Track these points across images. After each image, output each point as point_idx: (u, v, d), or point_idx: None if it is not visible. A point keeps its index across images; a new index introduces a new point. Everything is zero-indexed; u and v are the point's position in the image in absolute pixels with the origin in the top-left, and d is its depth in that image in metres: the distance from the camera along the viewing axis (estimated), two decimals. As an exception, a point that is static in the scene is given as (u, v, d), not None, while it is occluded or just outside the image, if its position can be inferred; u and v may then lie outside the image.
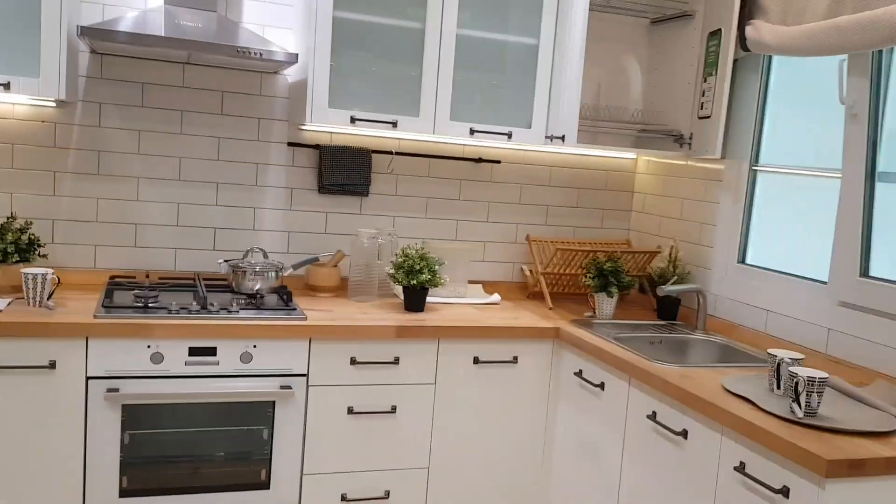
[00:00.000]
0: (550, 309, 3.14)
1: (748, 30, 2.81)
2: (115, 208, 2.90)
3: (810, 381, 1.91)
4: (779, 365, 2.11)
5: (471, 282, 3.38)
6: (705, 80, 3.04)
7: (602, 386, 2.57)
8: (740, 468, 1.95)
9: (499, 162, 3.38)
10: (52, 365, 2.33)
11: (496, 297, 3.19)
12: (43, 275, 2.43)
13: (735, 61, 2.92)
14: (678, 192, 3.30)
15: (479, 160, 3.34)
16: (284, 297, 2.78)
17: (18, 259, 2.52)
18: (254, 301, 2.69)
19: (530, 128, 3.01)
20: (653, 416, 2.30)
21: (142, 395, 2.41)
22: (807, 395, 1.92)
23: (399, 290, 3.08)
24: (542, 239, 3.43)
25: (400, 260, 2.86)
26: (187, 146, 2.96)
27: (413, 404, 2.72)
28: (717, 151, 2.93)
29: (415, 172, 3.27)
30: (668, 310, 3.10)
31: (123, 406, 2.42)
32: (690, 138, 3.12)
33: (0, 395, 2.30)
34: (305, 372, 2.58)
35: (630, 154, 3.51)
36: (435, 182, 3.30)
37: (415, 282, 2.83)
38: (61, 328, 2.31)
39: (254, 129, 3.03)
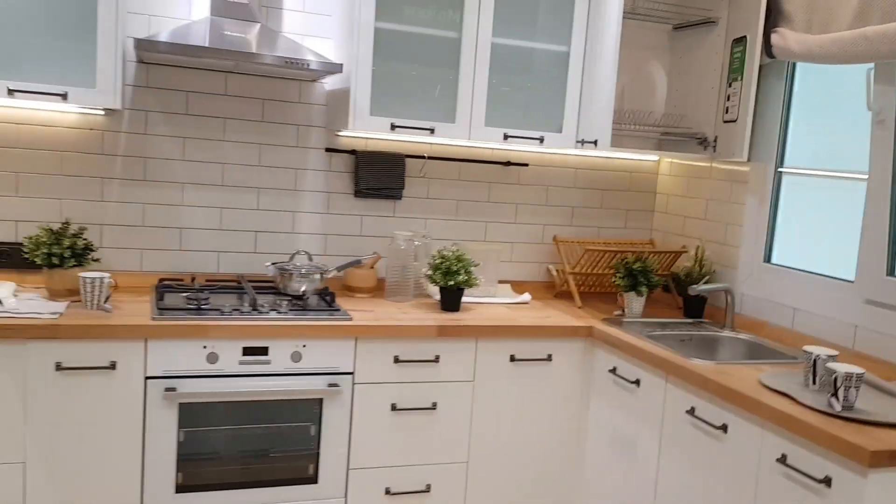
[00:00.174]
0: (580, 308, 3.24)
1: (773, 37, 2.91)
2: (160, 213, 2.99)
3: (848, 376, 2.02)
4: (815, 361, 2.21)
5: (499, 282, 3.48)
6: (730, 86, 3.14)
7: (637, 382, 2.67)
8: (782, 460, 2.05)
9: (526, 165, 3.47)
10: (113, 366, 2.42)
11: (526, 296, 3.29)
12: (100, 278, 2.52)
13: (760, 67, 3.02)
14: (702, 193, 3.40)
15: (508, 163, 3.43)
16: (327, 298, 2.87)
17: (74, 264, 2.61)
18: (300, 302, 2.79)
19: (561, 132, 3.11)
20: (691, 412, 2.40)
21: (198, 393, 2.50)
22: (845, 389, 2.02)
23: (433, 290, 3.18)
24: (569, 239, 3.53)
25: (437, 261, 2.95)
26: (230, 152, 3.05)
27: (453, 401, 2.82)
28: (743, 154, 3.02)
29: (446, 176, 3.37)
30: (695, 308, 3.20)
31: (180, 405, 2.51)
32: (715, 141, 3.22)
33: (63, 394, 2.39)
34: (351, 370, 2.68)
35: (653, 156, 3.61)
36: (465, 185, 3.40)
37: (452, 282, 2.93)
38: (122, 330, 2.40)
39: (293, 135, 3.12)
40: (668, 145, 3.49)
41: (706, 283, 3.06)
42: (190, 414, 2.53)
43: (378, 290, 3.21)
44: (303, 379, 2.62)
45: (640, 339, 2.72)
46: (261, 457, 2.63)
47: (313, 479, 2.69)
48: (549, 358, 2.91)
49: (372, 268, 3.14)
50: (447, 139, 2.98)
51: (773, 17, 2.94)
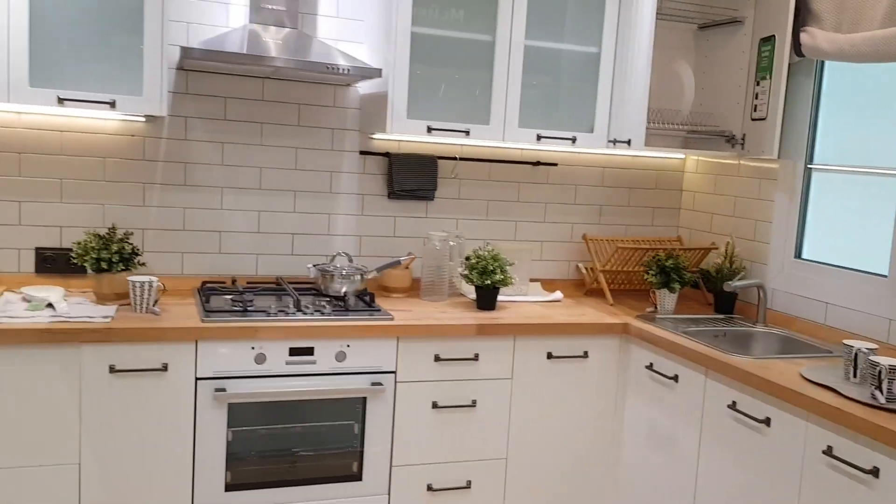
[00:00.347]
0: (611, 305, 3.29)
1: (803, 36, 2.95)
2: (200, 217, 3.04)
3: (892, 369, 2.06)
4: (856, 355, 2.26)
5: (530, 280, 3.53)
6: (758, 84, 3.18)
7: (676, 378, 2.71)
8: (828, 452, 2.09)
9: (555, 164, 3.52)
10: (165, 367, 2.47)
11: (558, 294, 3.34)
12: (150, 282, 2.57)
13: (788, 66, 3.06)
14: (730, 190, 3.44)
15: (538, 163, 3.48)
16: (366, 298, 2.92)
17: (122, 268, 2.66)
18: (342, 303, 2.83)
19: (592, 132, 3.15)
20: (733, 406, 2.44)
21: (247, 394, 2.55)
22: (888, 382, 2.07)
23: (466, 289, 3.23)
24: (598, 238, 3.58)
25: (474, 261, 3.00)
26: (267, 156, 3.10)
27: (491, 398, 2.87)
28: (773, 152, 3.07)
29: (476, 176, 3.41)
30: (726, 304, 3.25)
31: (229, 405, 2.56)
32: (743, 139, 3.26)
33: (117, 396, 2.44)
34: (394, 369, 2.73)
35: (679, 154, 3.65)
36: (495, 185, 3.45)
37: (488, 282, 2.97)
38: (174, 333, 2.45)
39: (328, 138, 3.17)
40: (695, 143, 3.54)
41: (741, 279, 3.10)
42: (238, 414, 2.58)
43: (413, 290, 3.26)
44: (347, 378, 2.67)
45: (678, 335, 2.77)
46: (306, 455, 2.68)
47: (357, 477, 2.74)
48: (586, 355, 2.96)
49: (407, 268, 3.19)
50: (482, 141, 3.03)
51: (802, 16, 2.98)
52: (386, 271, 3.14)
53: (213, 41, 2.61)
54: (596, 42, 3.11)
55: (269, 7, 2.79)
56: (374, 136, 3.22)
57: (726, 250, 3.31)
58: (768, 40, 3.13)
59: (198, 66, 2.84)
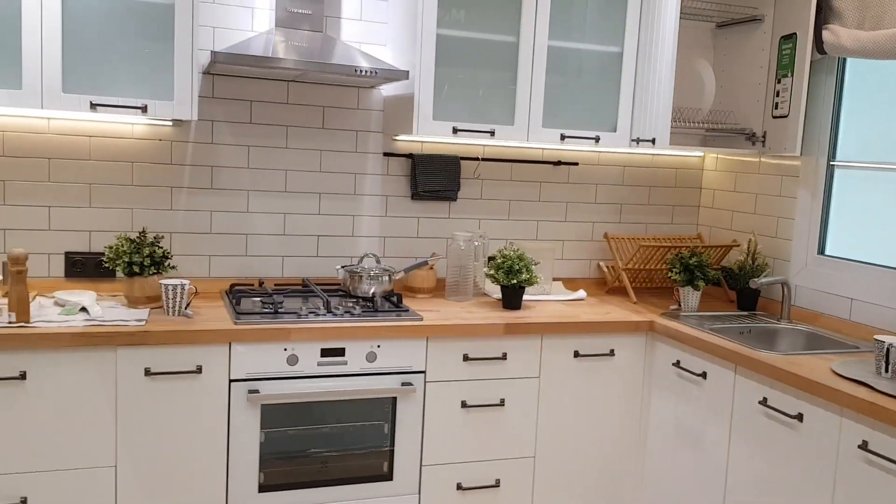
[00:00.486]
0: (634, 303, 3.30)
1: (825, 34, 2.97)
2: (227, 220, 3.06)
3: (927, 363, 2.07)
4: (888, 350, 2.27)
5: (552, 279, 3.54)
6: (779, 82, 3.20)
7: (704, 375, 2.73)
8: (863, 446, 2.11)
9: (577, 164, 3.53)
10: (199, 369, 2.49)
11: (581, 293, 3.35)
12: (182, 285, 2.59)
13: (810, 63, 3.08)
14: (750, 187, 3.46)
15: (559, 163, 3.50)
16: (393, 299, 2.94)
17: (154, 272, 2.68)
18: (370, 304, 2.85)
19: (615, 131, 3.17)
20: (764, 402, 2.46)
21: (280, 395, 2.57)
22: (923, 376, 2.08)
23: (490, 289, 3.25)
24: (619, 236, 3.59)
25: (500, 261, 3.02)
26: (292, 159, 3.12)
27: (519, 397, 2.88)
28: (796, 149, 3.08)
29: (498, 177, 3.43)
30: (748, 301, 3.26)
31: (262, 406, 2.58)
32: (764, 136, 3.27)
33: (152, 399, 2.46)
34: (423, 369, 2.74)
35: (697, 152, 3.67)
36: (517, 185, 3.46)
37: (515, 281, 2.99)
38: (208, 335, 2.47)
39: (352, 141, 3.19)
40: (715, 141, 3.55)
41: (766, 276, 3.12)
42: (270, 415, 2.60)
43: (437, 290, 3.28)
44: (378, 378, 2.69)
45: (705, 332, 2.79)
46: (337, 455, 2.70)
47: (388, 477, 2.76)
48: (612, 353, 2.97)
49: (432, 268, 3.21)
50: (506, 141, 3.04)
51: (824, 14, 2.99)
52: (411, 272, 3.16)
53: (243, 45, 2.63)
54: (618, 42, 3.13)
55: (296, 11, 2.81)
56: (397, 138, 3.23)
57: (748, 247, 3.33)
58: (789, 38, 3.14)
59: (225, 70, 2.86)
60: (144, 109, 2.57)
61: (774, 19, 3.24)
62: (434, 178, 3.25)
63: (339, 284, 3.13)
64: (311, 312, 2.68)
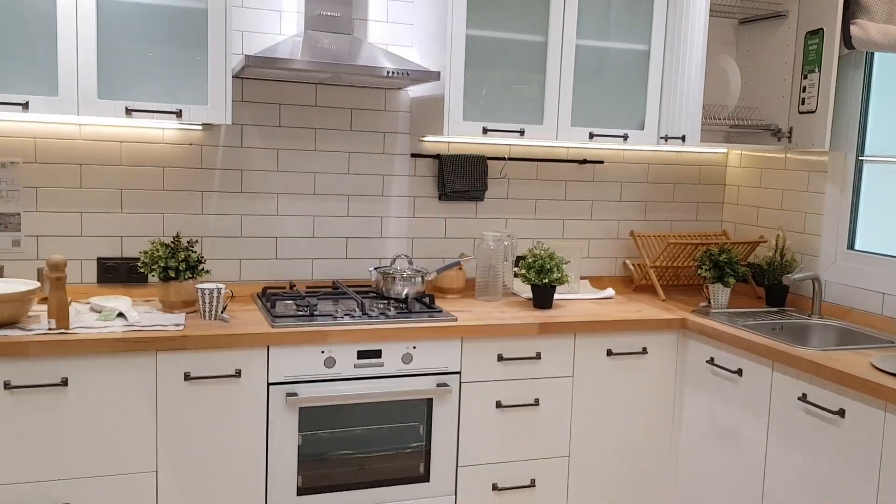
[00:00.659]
0: (664, 301, 3.30)
1: (853, 29, 2.97)
2: (257, 223, 3.07)
3: (973, 357, 2.07)
4: (930, 344, 2.27)
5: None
6: (805, 77, 3.20)
7: (739, 372, 2.73)
8: (910, 441, 2.11)
9: (602, 162, 3.54)
10: (238, 373, 2.49)
11: (610, 291, 3.35)
12: (218, 289, 2.59)
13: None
14: (776, 183, 3.46)
15: (584, 161, 3.50)
16: (425, 300, 2.94)
17: (190, 276, 2.68)
18: (404, 305, 2.85)
19: (643, 129, 3.17)
20: (803, 398, 2.46)
21: (318, 397, 2.57)
22: (969, 370, 2.08)
23: (519, 288, 3.25)
24: (645, 234, 3.59)
25: (531, 260, 3.02)
26: (321, 162, 3.12)
27: (553, 396, 2.88)
28: (825, 144, 3.08)
29: (524, 176, 3.43)
30: (777, 297, 3.26)
31: (300, 409, 2.58)
32: (790, 132, 3.27)
33: (192, 403, 2.46)
34: (458, 370, 2.75)
35: (721, 149, 3.67)
36: (543, 184, 3.46)
37: (546, 280, 2.99)
38: (246, 339, 2.47)
39: (379, 142, 3.19)
40: (739, 137, 3.55)
41: (799, 271, 3.11)
42: (308, 418, 2.60)
43: (467, 290, 3.28)
44: (414, 380, 2.69)
45: (740, 329, 2.79)
46: (373, 457, 2.70)
47: (425, 478, 2.76)
48: (644, 351, 2.97)
49: (461, 269, 3.21)
50: (536, 141, 3.04)
51: (851, 9, 2.99)
52: (443, 272, 3.16)
53: (275, 48, 2.63)
54: (645, 40, 3.13)
55: (326, 14, 2.81)
56: (424, 139, 3.23)
57: (777, 243, 3.33)
58: (815, 33, 3.14)
59: (254, 73, 2.86)
60: (179, 114, 2.57)
61: (799, 15, 3.24)
62: (461, 178, 3.25)
63: (369, 286, 3.14)
64: (346, 314, 2.68)
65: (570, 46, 2.99)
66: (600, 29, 3.06)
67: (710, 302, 3.21)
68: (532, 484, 2.90)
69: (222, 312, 2.62)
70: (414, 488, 2.75)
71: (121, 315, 2.58)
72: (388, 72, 2.67)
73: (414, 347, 2.68)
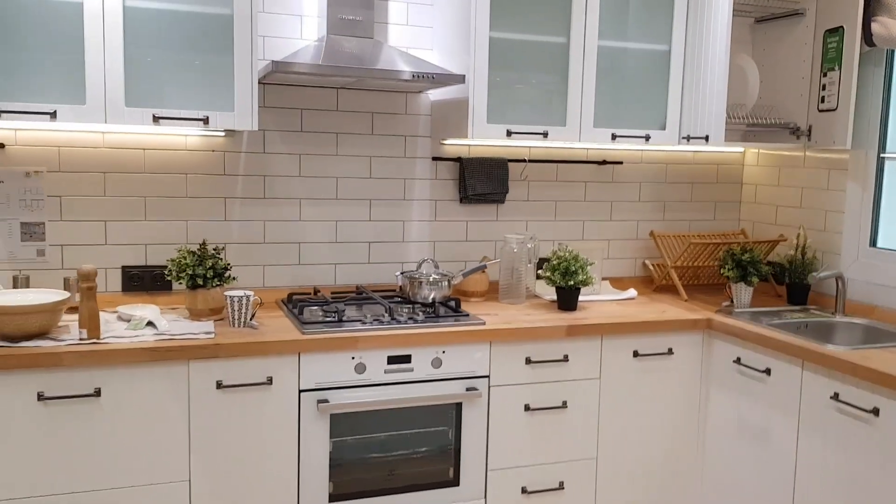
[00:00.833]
0: (686, 301, 3.30)
1: (874, 26, 2.97)
2: (280, 229, 3.06)
3: None
4: (965, 342, 2.27)
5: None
6: (825, 75, 3.20)
7: (768, 371, 2.73)
8: (949, 439, 2.11)
9: (621, 163, 3.53)
10: (270, 381, 2.48)
11: (632, 291, 3.35)
12: (247, 297, 2.58)
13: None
14: (795, 181, 3.46)
15: (604, 162, 3.49)
16: (452, 303, 2.93)
17: (217, 283, 2.67)
18: (431, 310, 2.85)
19: (664, 129, 3.17)
20: (835, 397, 2.46)
21: (349, 403, 2.56)
22: None
23: (542, 290, 3.25)
24: (665, 234, 3.59)
25: (555, 262, 3.01)
26: (343, 166, 3.11)
27: (581, 399, 2.88)
28: (846, 142, 3.08)
29: (544, 178, 3.43)
30: (799, 295, 3.26)
31: (331, 415, 2.57)
32: (809, 130, 3.27)
33: (224, 411, 2.45)
34: (487, 373, 2.74)
35: (738, 147, 3.67)
36: (563, 186, 3.46)
37: (571, 282, 2.99)
38: (277, 346, 2.46)
39: (400, 146, 3.19)
40: (756, 136, 3.55)
41: (824, 270, 3.11)
42: (339, 424, 2.59)
43: (490, 293, 3.28)
44: (443, 384, 2.69)
45: (767, 328, 2.79)
46: (404, 462, 2.70)
47: (455, 482, 2.76)
48: (670, 351, 2.97)
49: (484, 272, 3.21)
50: (559, 142, 3.04)
51: (872, 6, 3.00)
52: (468, 276, 3.15)
53: (301, 53, 2.63)
54: (665, 40, 3.13)
55: (348, 18, 2.80)
56: (444, 142, 3.23)
57: (798, 241, 3.33)
58: (835, 31, 3.15)
59: (276, 79, 2.85)
60: (206, 121, 2.56)
61: (817, 13, 3.24)
62: (483, 181, 3.25)
63: (393, 290, 3.13)
64: (375, 320, 2.68)
65: (591, 47, 2.99)
66: (621, 30, 3.06)
67: (732, 301, 3.21)
68: (561, 486, 2.90)
69: (251, 319, 2.61)
70: (444, 493, 2.75)
71: (150, 324, 2.57)
72: (413, 75, 2.67)
73: (443, 352, 2.67)
